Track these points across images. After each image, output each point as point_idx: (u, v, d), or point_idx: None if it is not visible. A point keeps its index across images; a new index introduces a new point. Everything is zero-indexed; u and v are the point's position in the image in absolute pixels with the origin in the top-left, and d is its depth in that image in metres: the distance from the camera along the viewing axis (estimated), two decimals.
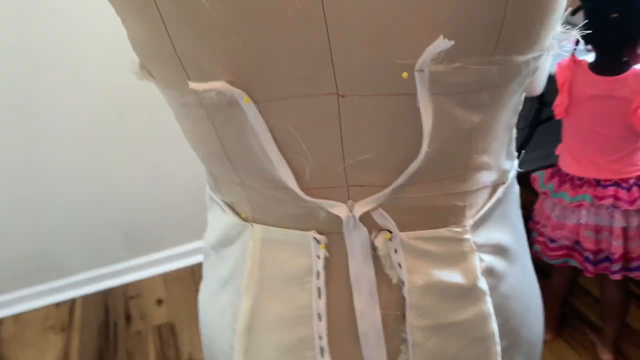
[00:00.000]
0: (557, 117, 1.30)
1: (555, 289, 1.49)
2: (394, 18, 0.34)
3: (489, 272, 0.48)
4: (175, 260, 2.04)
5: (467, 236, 0.46)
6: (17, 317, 1.93)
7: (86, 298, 1.97)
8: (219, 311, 0.54)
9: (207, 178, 0.55)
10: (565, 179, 1.32)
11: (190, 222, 1.99)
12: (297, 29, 0.35)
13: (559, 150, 1.35)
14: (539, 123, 1.63)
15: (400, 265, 0.45)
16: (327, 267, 0.46)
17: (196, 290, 2.11)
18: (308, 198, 0.43)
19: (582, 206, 1.28)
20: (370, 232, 0.44)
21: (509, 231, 0.51)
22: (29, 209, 1.81)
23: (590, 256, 1.31)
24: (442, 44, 0.34)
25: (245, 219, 0.49)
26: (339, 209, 0.43)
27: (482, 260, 0.47)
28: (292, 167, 0.42)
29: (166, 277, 2.01)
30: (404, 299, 0.46)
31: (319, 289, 0.46)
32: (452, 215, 0.45)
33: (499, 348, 0.49)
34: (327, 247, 0.46)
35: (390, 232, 0.44)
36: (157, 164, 1.85)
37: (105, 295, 1.97)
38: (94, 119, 1.74)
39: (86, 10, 1.59)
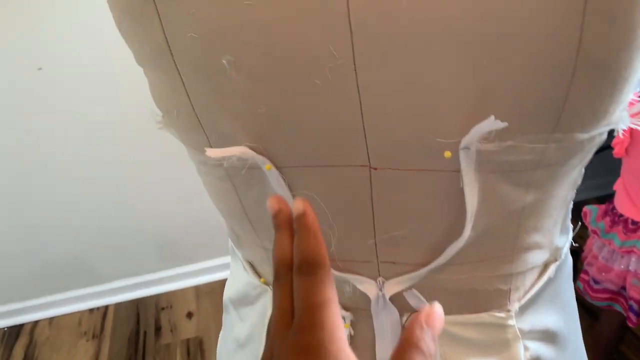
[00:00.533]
0: (616, 156, 1.21)
1: (603, 334, 1.39)
2: (435, 91, 0.30)
3: None
4: (207, 274, 2.03)
5: (512, 322, 0.41)
6: (51, 320, 1.96)
7: (119, 306, 1.98)
8: None
9: (228, 232, 0.51)
10: (618, 220, 1.23)
11: (222, 235, 1.97)
12: (326, 99, 0.31)
13: (617, 186, 1.26)
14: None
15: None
16: (351, 345, 0.42)
17: None
18: (334, 271, 0.39)
19: (632, 252, 1.19)
20: (401, 314, 0.40)
21: (560, 313, 0.46)
22: (68, 216, 1.84)
23: (635, 306, 1.21)
24: (491, 124, 0.29)
25: (265, 283, 0.45)
26: (368, 286, 0.39)
27: (527, 349, 0.42)
28: None
29: (198, 290, 2.00)
30: None
31: None
32: (495, 298, 0.40)
33: None
34: (353, 325, 0.41)
35: None
36: (191, 176, 1.85)
37: (138, 304, 1.97)
38: (133, 130, 1.75)
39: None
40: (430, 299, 0.39)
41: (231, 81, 0.32)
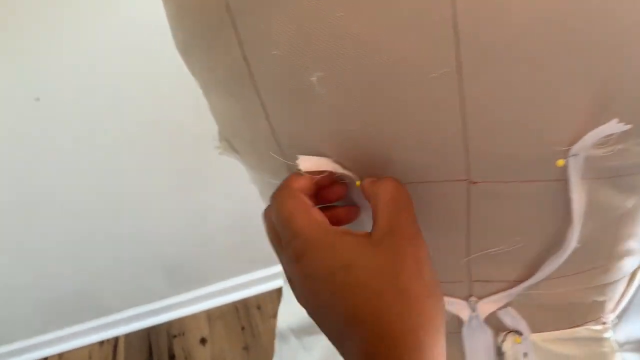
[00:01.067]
0: None
1: None
2: (548, 98, 0.27)
3: None
4: (218, 296, 1.99)
5: (608, 334, 0.38)
6: (61, 357, 1.90)
7: (129, 336, 1.93)
8: None
9: None
10: None
11: (231, 256, 1.94)
12: (426, 112, 0.29)
13: None
14: None
15: None
16: None
17: (241, 329, 2.04)
18: None
19: None
20: (495, 334, 0.37)
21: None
22: (72, 246, 1.79)
23: None
24: (613, 127, 0.27)
25: None
26: (459, 307, 0.37)
27: None
28: None
29: (210, 314, 1.96)
30: None
31: None
32: (591, 311, 0.38)
33: None
34: None
35: (520, 333, 0.37)
36: (197, 198, 1.81)
37: (149, 333, 1.93)
38: (135, 154, 1.71)
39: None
40: (526, 316, 0.37)
41: (321, 100, 0.29)
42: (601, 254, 0.36)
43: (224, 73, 0.31)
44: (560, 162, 0.29)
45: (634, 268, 0.39)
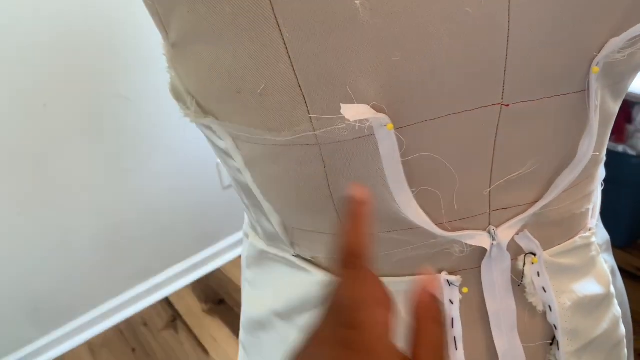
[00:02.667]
0: None
1: None
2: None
3: (612, 272, 0.45)
4: (97, 324, 1.79)
5: (594, 239, 0.41)
6: None
7: None
8: None
9: (263, 233, 0.44)
10: None
11: (105, 278, 1.76)
12: (475, 30, 0.27)
13: None
14: None
15: (545, 289, 0.39)
16: (460, 309, 0.39)
17: (131, 351, 1.88)
18: (445, 233, 0.35)
19: None
20: (512, 259, 0.38)
21: (601, 221, 0.48)
22: None
23: None
24: None
25: None
26: (480, 239, 0.36)
27: (606, 262, 0.43)
28: (422, 201, 0.34)
29: (91, 345, 1.76)
30: (548, 326, 0.41)
31: (454, 340, 0.39)
32: (583, 220, 0.41)
33: (626, 350, 0.45)
34: (460, 287, 0.38)
35: (534, 254, 0.38)
36: (49, 222, 1.60)
37: None
38: None
39: None
40: (537, 236, 0.38)
41: (362, 27, 0.26)
42: (593, 163, 0.38)
43: (232, 9, 0.26)
44: (595, 69, 0.30)
45: (604, 175, 0.43)
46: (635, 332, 1.58)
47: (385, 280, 0.39)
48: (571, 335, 0.40)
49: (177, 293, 1.91)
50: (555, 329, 0.40)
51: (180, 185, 1.81)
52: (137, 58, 1.57)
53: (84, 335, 1.77)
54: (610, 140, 1.82)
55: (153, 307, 1.87)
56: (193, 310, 1.84)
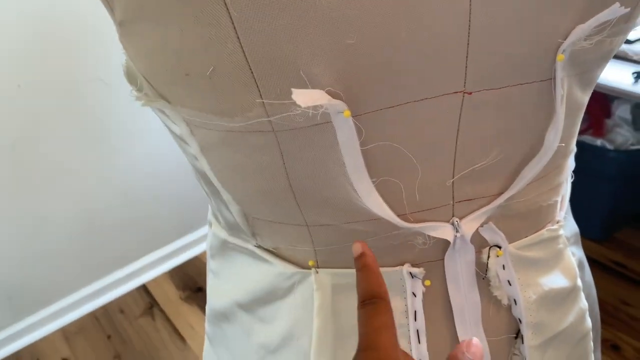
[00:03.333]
0: None
1: None
2: None
3: (579, 265, 0.44)
4: (71, 310, 1.77)
5: (561, 232, 0.41)
6: None
7: None
8: None
9: (225, 223, 0.43)
10: None
11: (81, 265, 1.73)
12: (436, 13, 0.26)
13: None
14: None
15: (510, 283, 0.38)
16: (424, 302, 0.38)
17: (107, 338, 1.86)
18: (407, 225, 0.34)
19: None
20: (477, 251, 0.37)
21: (571, 214, 0.47)
22: None
23: None
24: (615, 11, 0.27)
25: (311, 266, 0.39)
26: (443, 231, 0.35)
27: (573, 254, 0.43)
28: (383, 192, 0.33)
29: (66, 332, 1.74)
30: (513, 320, 0.40)
31: (417, 333, 0.38)
32: (550, 212, 0.40)
33: (592, 343, 0.45)
34: (424, 280, 0.38)
35: (499, 247, 0.37)
36: (27, 206, 1.56)
37: None
38: None
39: None
40: (502, 228, 0.37)
41: (314, 7, 0.25)
42: (561, 154, 0.37)
43: None
44: (561, 57, 0.29)
45: (573, 167, 0.42)
46: (609, 324, 1.60)
47: (347, 271, 0.38)
48: (536, 329, 0.39)
49: (155, 280, 1.89)
50: (520, 322, 0.39)
51: (159, 172, 1.78)
52: (116, 42, 1.54)
53: (59, 321, 1.74)
54: (588, 134, 1.84)
55: (130, 294, 1.85)
56: (170, 298, 1.83)
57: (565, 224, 0.42)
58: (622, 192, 1.75)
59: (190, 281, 1.88)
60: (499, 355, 0.41)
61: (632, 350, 1.48)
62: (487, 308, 0.39)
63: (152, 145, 1.73)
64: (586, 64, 0.32)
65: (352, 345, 0.37)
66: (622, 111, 1.75)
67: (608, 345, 1.50)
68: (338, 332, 0.39)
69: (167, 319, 1.75)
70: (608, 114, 1.80)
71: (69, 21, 1.44)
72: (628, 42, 1.57)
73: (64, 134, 1.54)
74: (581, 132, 1.76)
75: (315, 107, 0.28)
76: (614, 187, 1.72)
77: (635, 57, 1.52)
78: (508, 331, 0.40)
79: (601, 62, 0.33)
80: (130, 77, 0.34)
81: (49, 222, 1.61)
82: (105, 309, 1.80)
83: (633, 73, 1.43)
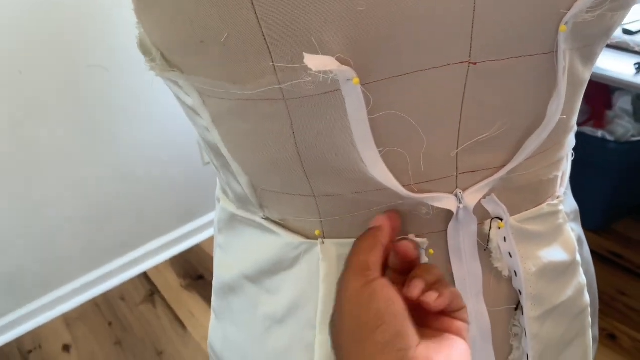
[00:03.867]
0: None
1: None
2: None
3: (579, 241, 0.45)
4: (73, 297, 1.78)
5: (561, 207, 0.42)
6: None
7: None
8: (277, 353, 0.44)
9: (233, 196, 0.44)
10: None
11: (82, 252, 1.74)
12: None
13: None
14: None
15: (511, 255, 0.39)
16: None
17: (108, 325, 1.87)
18: (411, 195, 0.35)
19: None
20: (478, 223, 0.38)
21: (571, 192, 0.48)
22: None
23: None
24: None
25: (317, 236, 0.39)
26: (447, 202, 0.36)
27: (573, 230, 0.44)
28: (389, 162, 0.34)
29: (67, 318, 1.75)
30: (513, 291, 0.41)
31: None
32: (551, 187, 0.41)
33: (590, 318, 0.46)
34: (427, 250, 0.38)
35: (501, 219, 0.38)
36: (27, 192, 1.57)
37: None
38: None
39: None
40: (504, 200, 0.38)
41: None
42: (562, 129, 0.38)
43: None
44: (563, 28, 0.30)
45: (574, 143, 0.43)
46: (606, 314, 1.61)
47: (352, 242, 0.39)
48: (535, 300, 0.40)
49: (156, 268, 1.91)
50: (520, 294, 0.40)
51: (160, 159, 1.79)
52: (117, 27, 1.54)
53: (60, 308, 1.76)
54: (589, 125, 1.84)
55: (131, 282, 1.86)
56: (171, 285, 1.84)
57: (565, 200, 0.43)
58: (622, 183, 1.76)
59: (191, 269, 1.89)
60: (500, 325, 0.41)
61: (629, 340, 1.50)
62: (488, 279, 0.40)
63: (154, 132, 1.74)
64: (588, 38, 0.33)
65: None
66: (623, 102, 1.76)
67: (605, 334, 1.52)
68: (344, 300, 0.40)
69: (168, 306, 1.76)
70: (609, 105, 1.81)
71: (69, 7, 1.44)
72: (630, 33, 1.57)
73: (65, 119, 1.55)
74: (582, 124, 1.77)
75: (325, 73, 0.28)
76: (614, 179, 1.73)
77: (637, 48, 1.52)
78: (508, 302, 0.41)
79: (602, 37, 0.34)
80: (144, 48, 0.34)
81: (50, 209, 1.62)
82: (106, 296, 1.82)
83: (635, 64, 1.44)
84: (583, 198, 1.93)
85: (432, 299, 0.32)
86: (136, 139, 1.71)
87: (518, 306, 0.42)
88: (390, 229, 0.36)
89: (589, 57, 0.35)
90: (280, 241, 0.41)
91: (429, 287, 0.33)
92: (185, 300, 1.77)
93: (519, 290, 0.40)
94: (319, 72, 0.28)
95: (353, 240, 0.39)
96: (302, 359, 0.42)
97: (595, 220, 1.81)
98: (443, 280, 0.34)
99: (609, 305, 1.60)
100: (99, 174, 1.67)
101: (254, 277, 0.44)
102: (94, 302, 1.80)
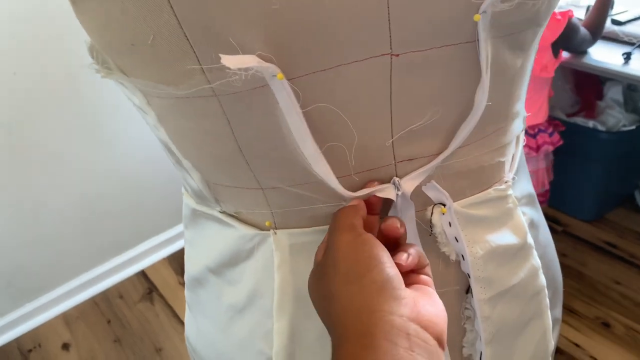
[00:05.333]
0: None
1: None
2: None
3: (531, 225, 0.46)
4: (74, 296, 1.80)
5: (510, 192, 0.43)
6: None
7: None
8: (240, 342, 0.45)
9: (192, 191, 0.45)
10: None
11: (81, 251, 1.77)
12: None
13: None
14: None
15: (457, 239, 0.40)
16: None
17: (107, 323, 1.88)
18: (350, 194, 0.36)
19: None
20: (421, 209, 0.39)
21: (528, 177, 0.49)
22: None
23: None
24: None
25: (269, 227, 0.41)
26: (387, 191, 0.37)
27: (524, 214, 0.45)
28: (329, 154, 0.35)
29: (67, 317, 1.77)
30: (462, 275, 0.42)
31: None
32: (496, 172, 0.42)
33: (547, 300, 0.47)
34: None
35: (444, 204, 0.39)
36: (25, 192, 1.59)
37: None
38: None
39: None
40: (446, 186, 0.39)
41: None
42: (501, 116, 0.39)
43: None
44: (477, 17, 0.31)
45: (520, 130, 0.44)
46: (600, 302, 1.62)
47: (302, 231, 0.40)
48: (484, 283, 0.41)
49: (153, 266, 1.93)
50: (469, 277, 0.41)
51: (157, 158, 1.80)
52: None
53: (59, 307, 1.78)
54: (580, 116, 1.83)
55: (129, 280, 1.88)
56: (169, 283, 1.86)
57: (515, 185, 0.44)
58: (614, 173, 1.77)
59: None
60: (451, 308, 0.43)
61: (622, 327, 1.51)
62: (436, 263, 0.41)
63: (150, 131, 1.75)
64: (511, 26, 0.33)
65: (310, 306, 0.39)
66: (613, 93, 1.76)
67: (599, 322, 1.52)
68: (297, 292, 0.41)
69: (166, 304, 1.78)
70: (600, 96, 1.81)
71: (63, 8, 1.46)
72: (618, 23, 1.57)
73: (61, 120, 1.57)
74: (573, 114, 1.77)
75: (246, 69, 0.30)
76: (606, 168, 1.74)
77: (625, 38, 1.53)
78: (458, 285, 0.42)
79: (529, 24, 0.35)
80: (91, 51, 0.36)
81: (48, 209, 1.64)
82: (105, 294, 1.84)
83: (623, 54, 1.44)
84: (575, 188, 1.93)
85: (404, 260, 0.33)
86: (132, 137, 1.73)
87: (469, 289, 0.43)
88: (364, 206, 0.37)
89: (519, 45, 0.36)
90: (237, 233, 0.42)
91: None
92: (183, 298, 1.78)
93: (468, 274, 0.41)
94: (240, 70, 0.29)
95: (304, 230, 0.40)
96: (262, 346, 0.43)
97: (588, 210, 1.81)
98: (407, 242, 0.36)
99: (603, 294, 1.61)
100: (96, 173, 1.69)
101: (217, 270, 0.46)
102: (93, 301, 1.82)
